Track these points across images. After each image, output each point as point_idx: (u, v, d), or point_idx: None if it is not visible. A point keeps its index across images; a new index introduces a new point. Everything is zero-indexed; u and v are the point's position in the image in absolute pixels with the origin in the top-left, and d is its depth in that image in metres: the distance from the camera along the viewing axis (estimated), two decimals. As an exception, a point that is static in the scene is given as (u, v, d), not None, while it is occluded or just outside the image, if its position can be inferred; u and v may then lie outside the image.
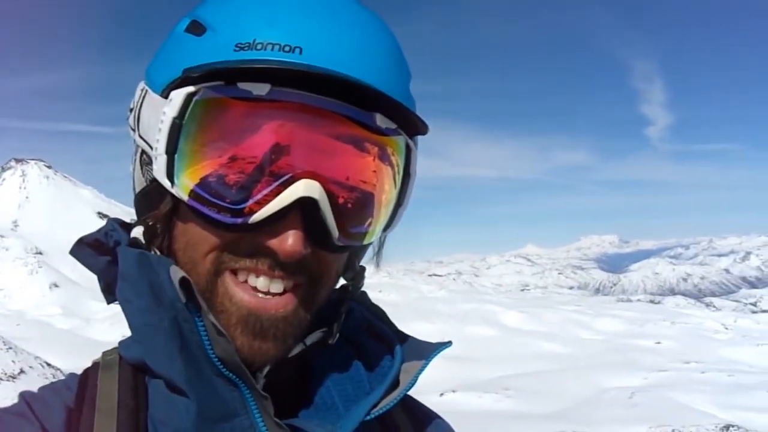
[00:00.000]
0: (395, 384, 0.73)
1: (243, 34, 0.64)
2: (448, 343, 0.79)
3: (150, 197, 0.70)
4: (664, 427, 13.71)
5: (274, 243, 0.64)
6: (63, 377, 0.74)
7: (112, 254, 0.72)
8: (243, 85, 0.61)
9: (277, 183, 0.62)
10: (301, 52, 0.62)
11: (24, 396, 0.69)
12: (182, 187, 0.63)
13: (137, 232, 0.70)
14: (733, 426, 15.66)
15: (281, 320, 0.67)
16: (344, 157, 0.66)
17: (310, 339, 0.74)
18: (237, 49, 0.63)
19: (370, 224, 0.70)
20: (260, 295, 0.66)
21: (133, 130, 0.70)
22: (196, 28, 0.67)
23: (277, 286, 0.66)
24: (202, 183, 0.63)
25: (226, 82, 0.61)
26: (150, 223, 0.70)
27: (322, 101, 0.63)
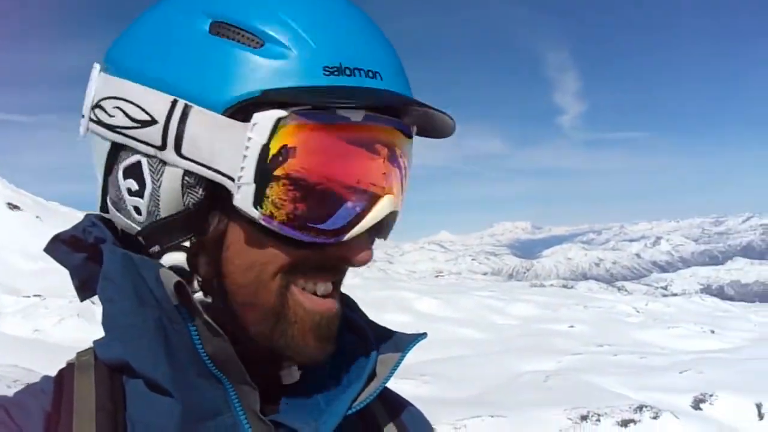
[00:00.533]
0: (372, 376, 0.79)
1: (328, 56, 0.66)
2: (424, 335, 0.84)
3: (188, 221, 0.69)
4: (579, 408, 14.36)
5: (350, 255, 0.71)
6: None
7: (89, 251, 0.75)
8: (341, 112, 0.65)
9: (368, 201, 0.70)
10: (381, 78, 0.69)
11: (6, 400, 0.70)
12: (271, 215, 0.65)
13: (177, 259, 0.69)
14: (645, 406, 16.65)
15: (336, 318, 0.74)
16: (405, 171, 0.75)
17: None
18: (327, 73, 0.65)
19: (395, 221, 0.78)
20: (318, 300, 0.73)
21: (159, 147, 0.67)
22: (242, 37, 0.66)
23: (329, 287, 0.74)
24: (295, 209, 0.66)
25: (314, 107, 0.64)
26: (191, 249, 0.70)
27: (396, 123, 0.71)
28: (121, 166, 0.71)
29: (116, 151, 0.71)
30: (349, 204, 0.69)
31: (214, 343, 0.68)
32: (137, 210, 0.71)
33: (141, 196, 0.70)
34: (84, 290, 0.77)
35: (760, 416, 18.78)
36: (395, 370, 0.80)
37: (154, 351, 0.68)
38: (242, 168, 0.64)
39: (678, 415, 17.19)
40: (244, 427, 0.70)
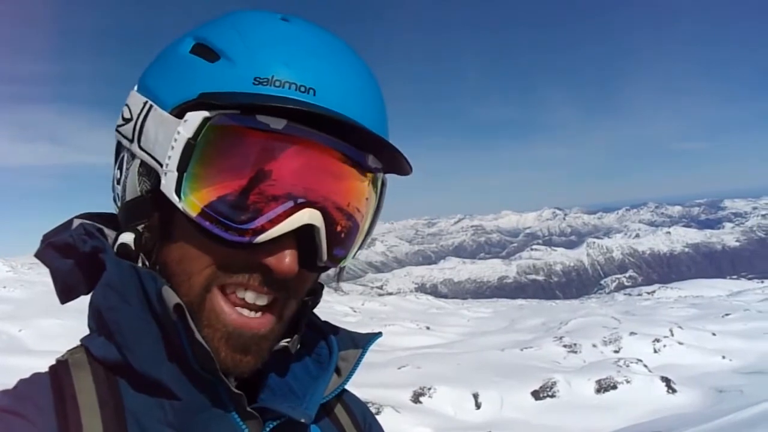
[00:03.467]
0: (336, 369, 1.03)
1: (261, 69, 0.83)
2: (379, 334, 1.10)
3: (142, 207, 0.88)
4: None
5: (270, 261, 0.84)
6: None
7: (79, 258, 0.90)
8: (261, 118, 0.80)
9: (284, 208, 0.83)
10: (314, 94, 0.84)
11: (13, 395, 0.82)
12: (189, 204, 0.81)
13: (127, 238, 0.88)
14: (367, 402, 17.36)
15: (262, 338, 0.89)
16: (341, 190, 0.89)
17: (275, 347, 0.96)
18: (256, 83, 0.82)
19: (349, 249, 0.94)
20: (245, 312, 0.87)
21: (130, 140, 0.90)
22: (206, 53, 0.86)
23: (262, 300, 0.88)
24: (212, 203, 0.82)
25: (243, 113, 0.81)
26: (141, 232, 0.88)
27: (329, 140, 0.84)
28: (117, 160, 0.95)
29: (118, 148, 0.95)
30: (266, 208, 0.82)
31: (202, 356, 0.84)
32: (118, 197, 0.93)
33: (119, 184, 0.92)
34: (66, 294, 0.93)
35: (478, 405, 21.20)
36: (358, 364, 1.03)
37: (155, 354, 0.84)
38: (169, 156, 0.82)
39: (399, 410, 18.48)
40: (234, 417, 0.87)
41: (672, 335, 28.38)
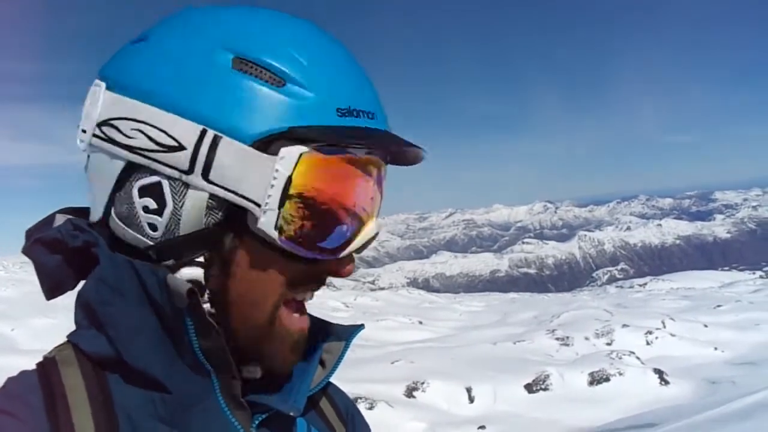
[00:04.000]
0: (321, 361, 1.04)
1: (340, 99, 0.85)
2: (362, 326, 1.07)
3: (205, 239, 0.85)
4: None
5: (338, 268, 0.90)
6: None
7: (68, 253, 0.89)
8: (350, 150, 0.86)
9: (359, 224, 0.90)
10: (374, 117, 0.89)
11: (2, 394, 0.82)
12: (286, 236, 0.83)
13: (195, 273, 0.85)
14: (360, 398, 17.52)
15: (306, 334, 0.95)
16: (382, 195, 0.96)
17: None
18: (340, 114, 0.85)
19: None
20: (299, 315, 0.93)
21: (185, 171, 0.82)
22: (267, 77, 0.83)
23: (311, 296, 0.94)
24: (306, 231, 0.85)
25: (329, 144, 0.83)
26: (208, 265, 0.86)
27: (384, 155, 0.93)
28: (136, 184, 0.85)
29: (130, 169, 0.85)
30: (345, 226, 0.88)
31: (208, 339, 0.84)
32: (152, 227, 0.85)
33: (159, 215, 0.84)
34: (53, 290, 0.91)
35: (471, 399, 21.19)
36: (343, 357, 1.04)
37: (150, 348, 0.83)
38: (269, 196, 0.82)
39: (393, 404, 18.44)
40: (224, 410, 0.87)
41: (664, 327, 28.53)
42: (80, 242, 0.88)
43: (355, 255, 0.95)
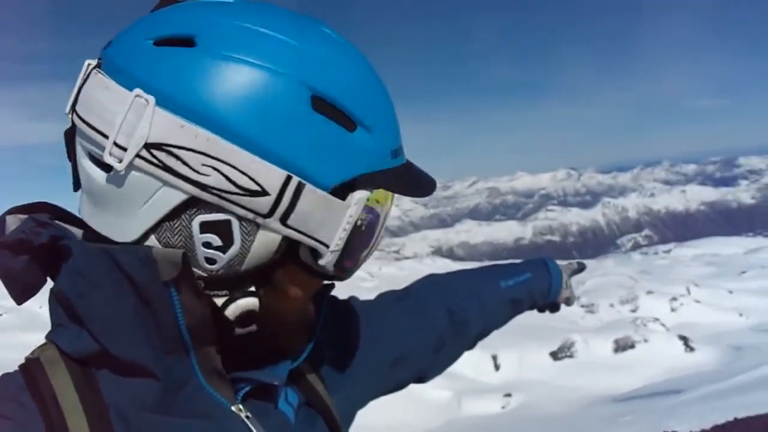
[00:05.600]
0: None
1: (392, 139, 0.87)
2: (332, 285, 1.01)
3: (262, 273, 0.84)
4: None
5: (344, 275, 0.91)
6: None
7: (33, 252, 0.82)
8: (396, 190, 0.88)
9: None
10: (403, 152, 0.91)
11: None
12: (338, 270, 0.87)
13: (251, 304, 0.85)
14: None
15: None
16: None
17: None
18: (392, 156, 0.86)
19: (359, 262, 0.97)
20: (312, 307, 0.97)
21: (264, 215, 0.79)
22: (339, 118, 0.80)
23: None
24: (345, 261, 0.87)
25: (381, 185, 0.85)
26: (261, 295, 0.86)
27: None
28: (197, 218, 0.79)
29: (192, 203, 0.78)
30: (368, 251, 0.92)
31: (194, 312, 0.81)
32: (210, 261, 0.81)
33: (223, 252, 0.80)
34: (23, 293, 0.84)
35: (497, 367, 21.32)
36: (319, 321, 1.00)
37: (135, 336, 0.80)
38: (340, 238, 0.83)
39: (420, 373, 19.03)
40: (204, 385, 0.85)
41: (689, 294, 28.32)
42: (46, 238, 0.82)
43: None
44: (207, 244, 0.79)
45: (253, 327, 0.88)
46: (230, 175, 0.75)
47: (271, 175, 0.76)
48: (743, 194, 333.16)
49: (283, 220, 0.79)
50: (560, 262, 1.80)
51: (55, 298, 0.83)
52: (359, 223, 0.85)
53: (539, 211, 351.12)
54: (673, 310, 26.56)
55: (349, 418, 1.18)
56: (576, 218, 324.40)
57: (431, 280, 1.52)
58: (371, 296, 1.35)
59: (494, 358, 20.76)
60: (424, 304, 1.41)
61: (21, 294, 0.84)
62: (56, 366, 0.81)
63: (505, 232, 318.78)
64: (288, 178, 0.77)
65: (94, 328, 0.79)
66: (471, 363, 20.42)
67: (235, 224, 0.79)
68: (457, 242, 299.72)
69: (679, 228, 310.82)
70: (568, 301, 1.79)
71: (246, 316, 0.85)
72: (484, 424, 16.91)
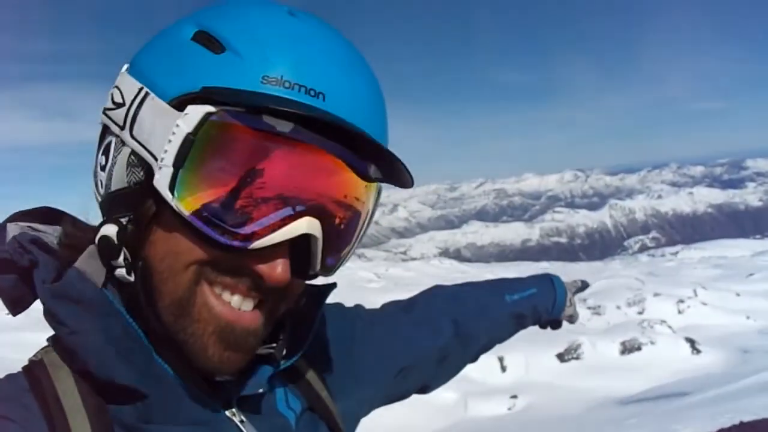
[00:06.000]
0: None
1: (270, 67, 0.78)
2: (334, 285, 1.01)
3: (129, 198, 0.83)
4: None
5: (262, 268, 0.81)
6: None
7: (20, 272, 0.86)
8: (268, 119, 0.76)
9: (283, 215, 0.79)
10: (324, 99, 0.79)
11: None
12: (183, 202, 0.77)
13: (110, 230, 0.82)
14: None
15: (251, 334, 0.86)
16: (341, 199, 0.85)
17: (260, 352, 0.94)
18: (264, 81, 0.77)
19: (340, 260, 0.91)
20: (233, 309, 0.84)
21: (120, 126, 0.83)
22: (211, 43, 0.80)
23: (248, 304, 0.85)
24: (207, 203, 0.78)
25: (248, 111, 0.76)
26: (125, 225, 0.83)
27: (333, 147, 0.80)
28: (102, 145, 0.87)
29: (103, 132, 0.88)
30: (262, 213, 0.79)
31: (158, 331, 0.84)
32: (100, 183, 0.87)
33: (104, 171, 0.85)
34: (16, 307, 0.88)
35: (503, 369, 21.30)
36: (314, 323, 0.98)
37: (116, 358, 0.80)
38: (165, 151, 0.77)
39: (427, 374, 19.05)
40: (195, 393, 0.86)
41: (696, 296, 28.22)
42: (27, 262, 0.85)
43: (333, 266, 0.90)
44: (100, 166, 0.87)
45: (129, 277, 0.83)
46: (114, 95, 0.85)
47: (132, 88, 0.83)
48: (750, 196, 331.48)
49: (131, 130, 0.81)
50: (564, 280, 1.84)
51: (45, 315, 0.84)
52: (212, 152, 0.77)
53: (546, 213, 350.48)
54: (680, 312, 26.47)
55: (353, 425, 1.18)
56: (583, 220, 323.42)
57: (437, 291, 1.52)
58: (378, 297, 1.37)
59: (501, 359, 20.73)
60: (430, 315, 1.42)
61: (13, 308, 0.88)
62: (60, 369, 0.82)
63: (512, 233, 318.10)
64: (140, 90, 0.82)
65: (78, 356, 0.81)
66: (478, 365, 20.19)
67: (112, 143, 0.85)
68: (464, 243, 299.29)
69: (686, 230, 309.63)
70: (571, 319, 1.81)
71: (107, 247, 0.82)
72: (490, 425, 16.90)
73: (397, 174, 0.88)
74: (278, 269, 0.80)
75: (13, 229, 0.88)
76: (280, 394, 1.01)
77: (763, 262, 42.49)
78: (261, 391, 0.93)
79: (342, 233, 0.88)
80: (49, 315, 0.81)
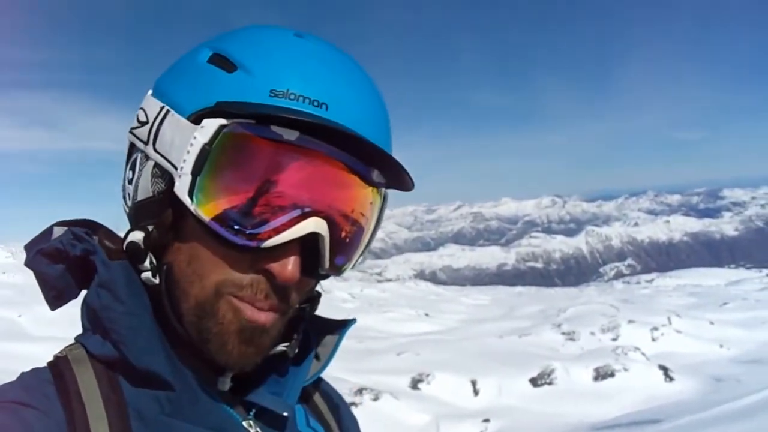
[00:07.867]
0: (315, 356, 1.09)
1: (278, 82, 0.88)
2: (354, 320, 1.13)
3: (153, 207, 0.92)
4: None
5: (274, 266, 0.88)
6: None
7: (69, 262, 0.93)
8: (275, 129, 0.85)
9: (291, 216, 0.87)
10: (327, 109, 0.88)
11: (21, 387, 0.85)
12: (201, 207, 0.86)
13: (137, 236, 0.91)
14: (365, 389, 17.57)
15: (265, 332, 0.92)
16: (347, 201, 0.93)
17: (274, 351, 1.01)
18: (272, 95, 0.87)
19: (350, 258, 0.98)
20: (252, 308, 0.91)
21: (144, 142, 0.94)
22: (225, 64, 0.91)
23: (263, 305, 0.91)
24: (223, 208, 0.86)
25: (258, 122, 0.85)
26: (150, 231, 0.92)
27: (338, 153, 0.88)
28: (129, 161, 0.99)
29: (130, 150, 0.99)
30: (273, 215, 0.87)
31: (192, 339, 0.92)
32: (128, 196, 0.98)
33: (131, 184, 0.97)
34: (57, 299, 0.95)
35: (476, 392, 21.19)
36: (336, 350, 1.09)
37: (151, 347, 0.88)
38: (184, 160, 0.86)
39: (397, 396, 18.44)
40: (217, 400, 0.94)
41: (670, 324, 28.45)
42: (79, 251, 0.93)
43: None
44: (128, 180, 0.98)
45: (155, 280, 0.91)
46: (139, 115, 0.96)
47: (155, 107, 0.94)
48: (726, 226, 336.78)
49: (155, 145, 0.92)
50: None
51: (84, 308, 0.93)
52: (226, 161, 0.85)
53: (523, 238, 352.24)
54: (653, 339, 26.64)
55: None
56: (559, 245, 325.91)
57: None
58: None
59: (473, 383, 20.70)
60: None
61: (54, 299, 0.95)
62: (83, 364, 0.89)
63: (489, 257, 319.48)
64: (162, 108, 0.93)
65: (115, 338, 0.88)
66: (450, 388, 20.36)
67: (138, 158, 0.96)
68: (440, 266, 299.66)
69: (662, 258, 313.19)
70: None
71: (134, 252, 0.91)
72: (461, 449, 16.78)
73: (398, 178, 0.96)
74: (289, 266, 0.87)
75: (58, 231, 0.95)
76: (300, 412, 1.06)
77: (737, 291, 43.07)
78: (285, 414, 0.99)
79: (348, 233, 0.95)
80: (108, 290, 0.89)
